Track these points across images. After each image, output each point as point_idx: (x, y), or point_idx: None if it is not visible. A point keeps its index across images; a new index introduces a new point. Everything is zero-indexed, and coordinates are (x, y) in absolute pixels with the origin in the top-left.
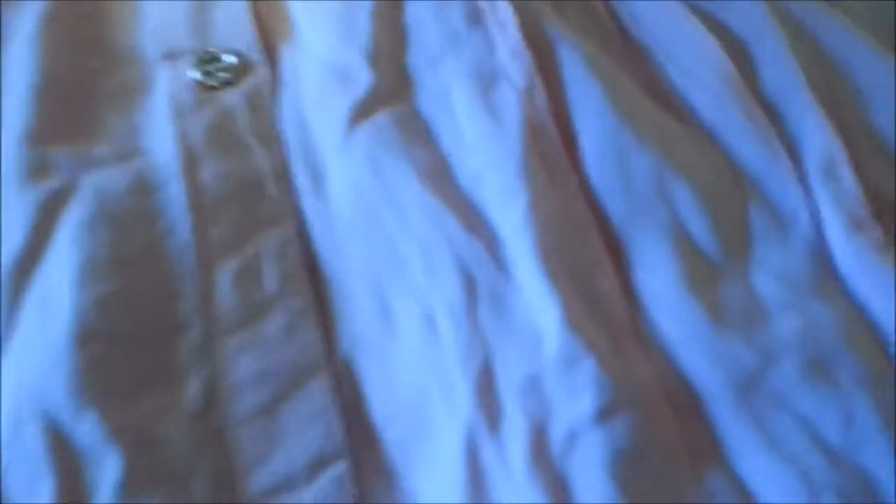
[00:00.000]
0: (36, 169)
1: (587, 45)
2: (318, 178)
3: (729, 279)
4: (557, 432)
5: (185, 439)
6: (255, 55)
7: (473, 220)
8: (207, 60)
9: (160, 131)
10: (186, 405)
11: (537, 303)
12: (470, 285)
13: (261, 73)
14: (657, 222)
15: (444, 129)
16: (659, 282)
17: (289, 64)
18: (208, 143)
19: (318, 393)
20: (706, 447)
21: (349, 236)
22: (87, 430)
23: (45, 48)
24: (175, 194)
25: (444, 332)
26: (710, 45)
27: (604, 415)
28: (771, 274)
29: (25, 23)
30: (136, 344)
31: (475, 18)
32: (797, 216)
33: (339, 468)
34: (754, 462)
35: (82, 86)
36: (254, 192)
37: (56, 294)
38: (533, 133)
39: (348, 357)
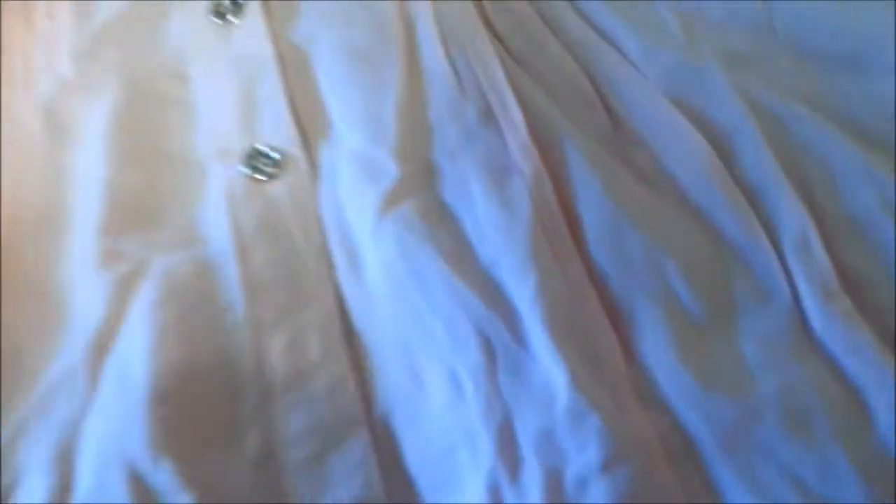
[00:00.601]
0: (110, 255)
1: (587, 139)
2: (353, 259)
3: (716, 342)
4: (570, 480)
5: (247, 485)
6: (296, 151)
7: (492, 295)
8: (255, 156)
9: (216, 221)
10: (247, 456)
11: (548, 367)
12: (489, 352)
13: (301, 167)
14: (651, 293)
15: (464, 215)
16: (654, 346)
17: (326, 158)
18: (258, 232)
19: (358, 446)
20: (700, 492)
21: (382, 310)
22: (163, 477)
23: (113, 147)
24: (231, 276)
25: (468, 392)
26: (694, 135)
27: (608, 465)
28: (754, 338)
29: (96, 119)
30: (202, 404)
31: (488, 117)
32: (776, 287)
33: None
34: None
35: (147, 182)
36: (298, 273)
37: (132, 362)
38: (541, 219)
39: (384, 414)
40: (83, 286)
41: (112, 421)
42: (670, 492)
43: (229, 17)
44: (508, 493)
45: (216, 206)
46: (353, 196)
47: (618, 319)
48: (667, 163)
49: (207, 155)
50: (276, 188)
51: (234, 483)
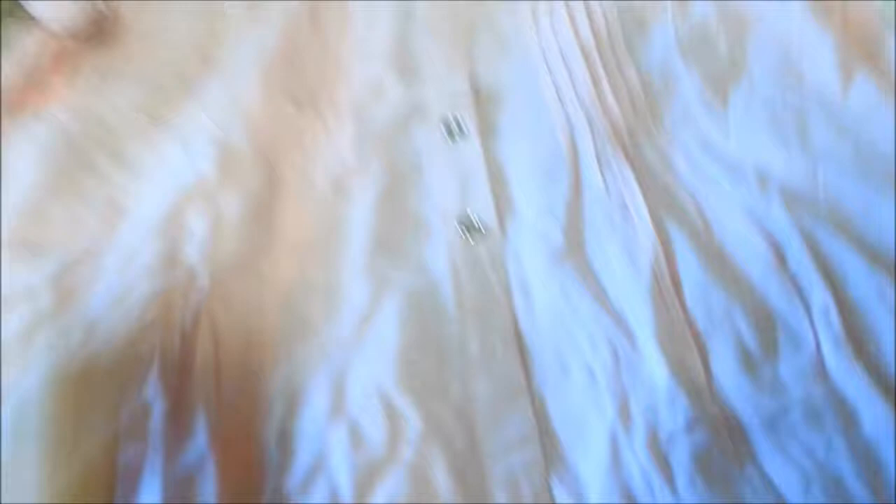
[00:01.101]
0: (369, 268)
1: (686, 231)
2: (528, 297)
3: (764, 365)
4: (664, 435)
5: (452, 423)
6: (493, 222)
7: (619, 322)
8: (467, 221)
9: (440, 261)
10: (452, 401)
11: (655, 369)
12: (616, 357)
13: (496, 234)
14: (724, 331)
15: (603, 272)
16: (723, 363)
17: (513, 231)
18: (466, 272)
19: (523, 409)
20: (745, 455)
21: (544, 329)
22: (402, 402)
23: (378, 207)
24: (447, 297)
25: (600, 381)
26: (760, 240)
27: (690, 428)
28: (788, 366)
29: (367, 189)
30: (427, 363)
31: (625, 211)
32: (805, 338)
33: (535, 452)
34: (774, 465)
35: (395, 228)
36: (490, 302)
37: (385, 331)
38: (656, 278)
39: (539, 391)
40: (353, 284)
41: (372, 365)
42: (727, 450)
43: (456, 136)
44: (623, 440)
45: (439, 250)
46: (530, 255)
47: (700, 344)
48: (736, 256)
49: (435, 216)
50: (480, 248)
51: (444, 417)
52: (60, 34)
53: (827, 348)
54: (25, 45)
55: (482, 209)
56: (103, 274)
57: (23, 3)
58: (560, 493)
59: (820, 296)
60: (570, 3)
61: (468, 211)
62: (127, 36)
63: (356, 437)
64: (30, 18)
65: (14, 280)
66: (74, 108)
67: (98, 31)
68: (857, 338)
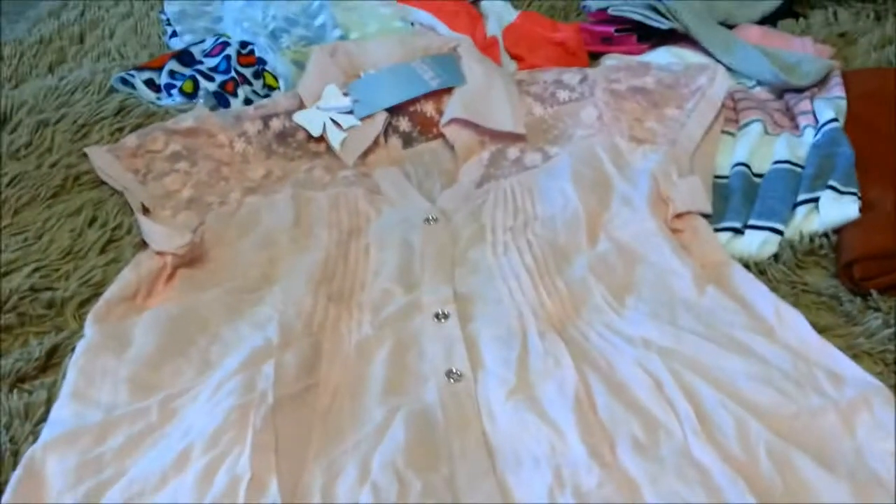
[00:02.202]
0: (384, 400)
1: (596, 372)
2: (492, 417)
3: (650, 451)
4: (584, 490)
5: None
6: (468, 372)
7: (555, 428)
8: (449, 373)
9: (432, 396)
10: None
11: (578, 454)
12: (553, 449)
13: (470, 379)
14: (625, 432)
15: (543, 399)
16: (624, 448)
17: (480, 375)
18: (451, 403)
19: (490, 485)
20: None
21: (503, 435)
22: (409, 476)
23: (389, 366)
24: (438, 419)
25: (542, 462)
26: (644, 375)
27: (601, 486)
28: (667, 451)
29: (381, 352)
30: (428, 462)
31: (557, 364)
32: (676, 433)
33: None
34: None
35: (403, 380)
36: (467, 421)
37: (396, 439)
38: (578, 399)
39: (501, 474)
40: (372, 410)
41: (387, 454)
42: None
43: (442, 320)
44: (558, 495)
45: (432, 389)
46: (494, 391)
47: (609, 438)
48: (631, 387)
49: (428, 370)
50: (459, 386)
51: (437, 486)
52: (166, 255)
53: (691, 439)
54: (140, 261)
55: (460, 365)
56: (198, 400)
57: (143, 233)
58: None
59: (684, 407)
60: (517, 245)
61: (451, 365)
62: (209, 258)
63: (376, 493)
64: (143, 241)
65: (131, 404)
66: (176, 303)
67: (190, 254)
68: (708, 431)
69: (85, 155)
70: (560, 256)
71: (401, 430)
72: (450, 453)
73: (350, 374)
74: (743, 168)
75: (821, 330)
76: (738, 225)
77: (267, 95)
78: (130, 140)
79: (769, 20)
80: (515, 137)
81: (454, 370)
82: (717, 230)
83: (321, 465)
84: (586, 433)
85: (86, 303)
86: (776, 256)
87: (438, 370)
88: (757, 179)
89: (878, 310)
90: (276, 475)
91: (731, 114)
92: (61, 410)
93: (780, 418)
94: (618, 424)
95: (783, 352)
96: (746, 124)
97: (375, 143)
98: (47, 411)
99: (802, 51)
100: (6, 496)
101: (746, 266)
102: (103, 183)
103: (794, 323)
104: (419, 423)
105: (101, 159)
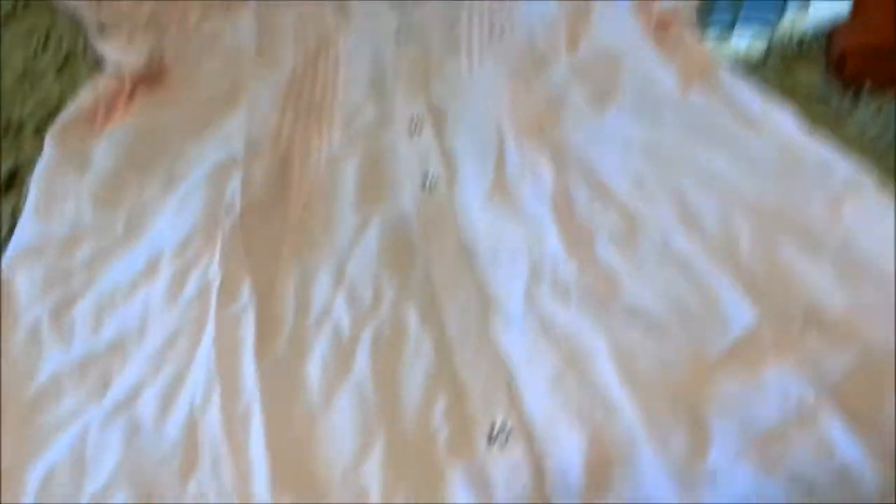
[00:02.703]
0: (358, 208)
1: (574, 170)
2: (469, 219)
3: (628, 244)
4: (560, 280)
5: None
6: (443, 180)
7: (531, 224)
8: (425, 181)
9: (407, 203)
10: None
11: (555, 246)
12: (528, 243)
13: (445, 187)
14: (603, 225)
15: (519, 200)
16: (602, 242)
17: (457, 182)
18: (426, 209)
19: (468, 282)
20: (619, 284)
21: (480, 234)
22: (384, 280)
23: (362, 175)
24: (414, 223)
25: (518, 258)
26: (625, 169)
27: (580, 274)
28: (645, 245)
29: (352, 161)
30: (404, 264)
31: (534, 167)
32: (655, 222)
33: (476, 305)
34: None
35: (377, 189)
36: (444, 224)
37: (370, 244)
38: (554, 198)
39: (479, 271)
40: (345, 217)
41: (361, 259)
42: (604, 289)
43: (415, 135)
44: (533, 285)
45: (406, 196)
46: (471, 196)
47: (587, 230)
48: (611, 182)
49: (403, 179)
50: (434, 193)
51: (412, 287)
52: (123, 74)
53: (672, 231)
54: (97, 83)
55: (436, 171)
56: (164, 212)
57: (97, 48)
58: (495, 324)
59: (665, 201)
60: (494, 54)
61: (427, 171)
62: (170, 78)
63: (352, 297)
64: (99, 62)
65: (95, 219)
66: (138, 122)
67: (150, 76)
68: (690, 223)
69: None
70: (539, 63)
71: (375, 238)
72: (427, 257)
73: (321, 186)
74: None
75: (810, 127)
76: (726, 21)
77: None
78: None
79: None
80: None
81: (429, 177)
82: (704, 28)
83: (295, 271)
84: (564, 230)
85: (43, 126)
86: (765, 55)
87: (413, 179)
88: None
89: (868, 105)
90: (248, 278)
91: None
92: (25, 228)
93: (764, 208)
94: (596, 221)
95: (770, 147)
96: None
97: None
98: (11, 230)
99: None
100: None
101: (735, 65)
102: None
103: (782, 120)
104: (394, 228)
105: None
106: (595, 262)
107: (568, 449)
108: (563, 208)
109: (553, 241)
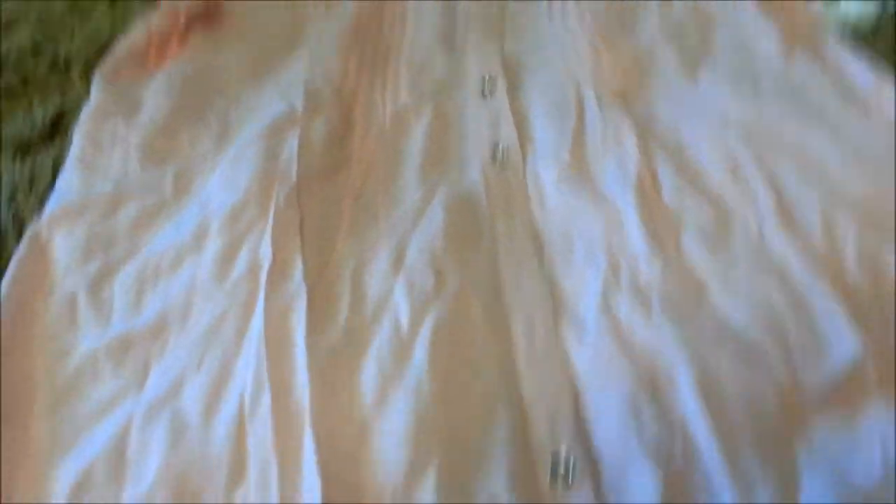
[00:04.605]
0: (422, 178)
1: (663, 149)
2: (541, 197)
3: (720, 241)
4: (642, 282)
5: None
6: (516, 149)
7: (611, 208)
8: (495, 149)
9: (475, 174)
10: None
11: (637, 239)
12: (608, 232)
13: (518, 157)
14: (692, 216)
15: (599, 177)
16: (689, 236)
17: (530, 152)
18: (496, 182)
19: (537, 273)
20: (703, 292)
21: (553, 217)
22: (447, 267)
23: (429, 140)
24: (481, 200)
25: (596, 248)
26: (721, 155)
27: (663, 276)
28: (736, 240)
29: (419, 123)
30: (469, 249)
31: (618, 138)
32: (749, 223)
33: (545, 303)
34: (726, 304)
35: (444, 156)
36: (514, 202)
37: (434, 222)
38: (640, 178)
39: (549, 260)
40: (408, 189)
41: (423, 239)
42: (689, 293)
43: (488, 96)
44: (612, 285)
45: (475, 167)
46: (544, 169)
47: (672, 221)
48: (702, 167)
49: (472, 145)
50: (506, 164)
51: (478, 277)
52: (178, 10)
53: (769, 230)
54: (151, 19)
55: (508, 142)
56: (215, 172)
57: None
58: (565, 332)
59: (763, 194)
60: (577, 3)
61: (498, 141)
62: (227, 17)
63: (411, 283)
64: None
65: (142, 174)
66: (192, 64)
67: (206, 13)
68: (789, 222)
69: None
70: (626, 16)
71: (440, 214)
72: (493, 240)
73: (384, 150)
74: None
75: None
76: None
77: None
78: None
79: None
80: None
81: (500, 148)
82: None
83: (351, 248)
84: (648, 219)
85: (92, 62)
86: (878, 22)
87: (483, 149)
88: None
89: None
90: (301, 259)
91: None
92: (68, 179)
93: (872, 208)
94: (685, 211)
95: (880, 131)
96: None
97: None
98: (53, 181)
99: None
100: (8, 274)
101: (843, 32)
102: None
103: (894, 100)
104: (460, 206)
105: None
106: (680, 263)
107: (640, 493)
108: (649, 194)
109: (635, 234)
